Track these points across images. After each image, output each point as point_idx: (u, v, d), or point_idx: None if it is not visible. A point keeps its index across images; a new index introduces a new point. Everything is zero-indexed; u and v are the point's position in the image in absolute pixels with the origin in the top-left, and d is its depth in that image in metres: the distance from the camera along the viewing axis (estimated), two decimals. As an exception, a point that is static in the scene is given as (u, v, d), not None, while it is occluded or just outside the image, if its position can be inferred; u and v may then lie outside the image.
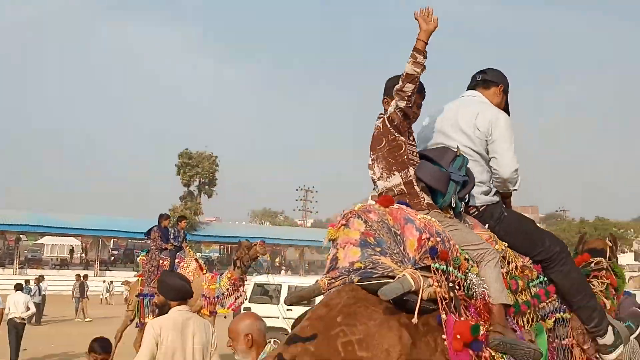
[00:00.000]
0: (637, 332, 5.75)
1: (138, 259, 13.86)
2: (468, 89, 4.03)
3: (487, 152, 3.74)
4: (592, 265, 4.39)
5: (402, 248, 3.07)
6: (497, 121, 3.68)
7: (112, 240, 53.20)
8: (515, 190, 3.86)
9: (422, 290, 2.87)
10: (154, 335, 4.79)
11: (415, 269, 2.97)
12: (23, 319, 13.24)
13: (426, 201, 3.36)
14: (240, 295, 11.67)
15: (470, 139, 3.68)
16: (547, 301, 3.66)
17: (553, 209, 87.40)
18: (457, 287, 3.05)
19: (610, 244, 4.60)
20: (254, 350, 3.90)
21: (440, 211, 3.38)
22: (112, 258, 51.48)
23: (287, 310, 14.06)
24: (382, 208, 3.20)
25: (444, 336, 2.90)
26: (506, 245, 3.64)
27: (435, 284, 2.96)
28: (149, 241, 12.28)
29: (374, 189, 3.52)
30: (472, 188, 3.61)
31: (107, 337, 5.52)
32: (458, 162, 3.45)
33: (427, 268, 2.99)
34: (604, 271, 4.38)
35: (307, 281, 17.13)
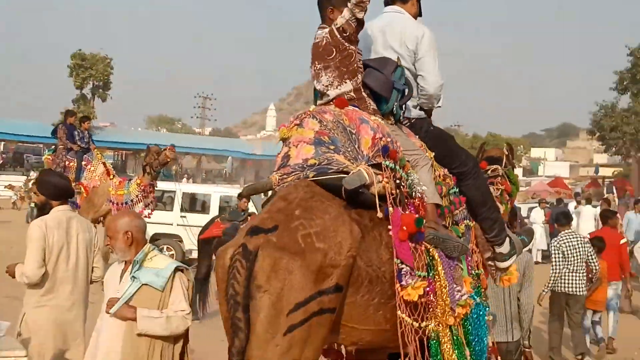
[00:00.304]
0: (529, 245, 6.28)
1: (43, 158, 13.28)
2: (386, 3, 4.08)
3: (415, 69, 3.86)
4: (489, 172, 4.67)
5: (356, 146, 3.25)
6: (422, 38, 3.79)
7: (1, 143, 50.30)
8: (439, 107, 4.01)
9: (374, 185, 3.09)
10: (41, 233, 4.67)
11: (368, 165, 3.17)
12: None
13: (372, 107, 3.53)
14: (151, 202, 11.37)
15: (402, 57, 3.79)
16: (460, 209, 3.94)
17: (448, 124, 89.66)
18: (402, 184, 3.29)
19: (507, 153, 4.89)
20: (133, 248, 3.87)
21: (382, 117, 3.56)
22: (1, 162, 48.90)
23: (181, 217, 14.16)
24: (338, 109, 3.36)
25: (389, 229, 3.13)
26: (433, 155, 3.88)
27: (385, 180, 3.18)
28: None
29: (320, 98, 3.60)
30: (410, 98, 3.81)
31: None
32: (398, 72, 3.60)
33: (377, 166, 3.19)
34: (500, 178, 4.68)
35: (203, 189, 17.23)
